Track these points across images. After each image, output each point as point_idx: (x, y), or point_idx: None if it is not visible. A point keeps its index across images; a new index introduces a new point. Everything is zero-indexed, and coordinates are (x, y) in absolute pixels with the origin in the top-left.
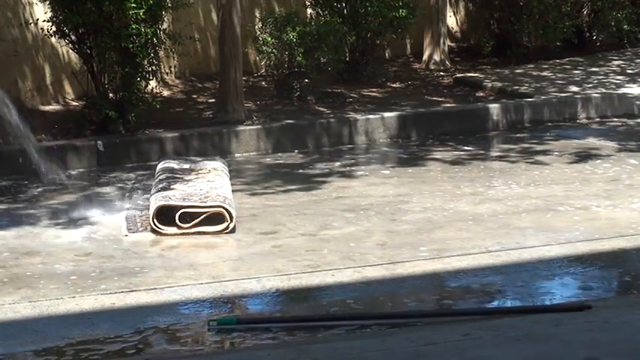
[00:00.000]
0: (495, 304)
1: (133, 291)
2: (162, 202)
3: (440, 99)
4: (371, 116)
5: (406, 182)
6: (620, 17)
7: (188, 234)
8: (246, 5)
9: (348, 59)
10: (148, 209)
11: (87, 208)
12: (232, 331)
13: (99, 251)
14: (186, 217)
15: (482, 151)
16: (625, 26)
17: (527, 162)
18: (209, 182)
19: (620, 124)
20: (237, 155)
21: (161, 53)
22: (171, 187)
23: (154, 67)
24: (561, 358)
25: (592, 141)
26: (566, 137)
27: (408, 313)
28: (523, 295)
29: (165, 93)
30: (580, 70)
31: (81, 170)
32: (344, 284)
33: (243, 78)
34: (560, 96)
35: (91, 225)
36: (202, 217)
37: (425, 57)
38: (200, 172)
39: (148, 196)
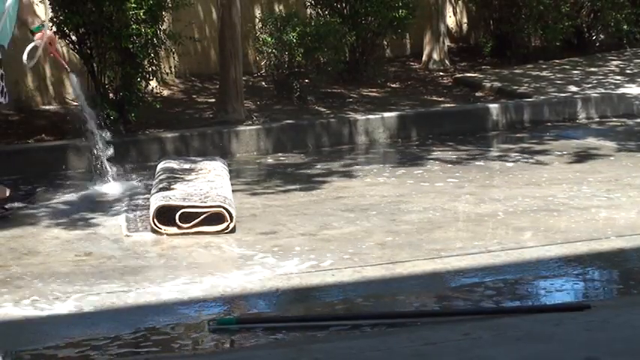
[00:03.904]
0: (495, 304)
1: (133, 290)
2: (163, 202)
3: (439, 99)
4: (371, 116)
5: (406, 182)
6: (620, 17)
7: (188, 234)
8: (246, 5)
9: (348, 59)
10: (148, 209)
11: (87, 208)
12: (232, 331)
13: (99, 251)
14: (187, 217)
15: (482, 151)
16: (624, 26)
17: (526, 162)
18: (209, 182)
19: (619, 124)
20: (237, 155)
21: (161, 53)
22: (172, 187)
23: (154, 67)
24: (561, 358)
25: (591, 141)
26: (565, 137)
27: (408, 313)
28: (523, 295)
29: (165, 93)
30: (579, 70)
31: (81, 170)
32: (344, 284)
33: (243, 78)
34: (560, 96)
35: (91, 225)
36: (202, 217)
37: (424, 57)
38: (200, 172)
39: (149, 196)
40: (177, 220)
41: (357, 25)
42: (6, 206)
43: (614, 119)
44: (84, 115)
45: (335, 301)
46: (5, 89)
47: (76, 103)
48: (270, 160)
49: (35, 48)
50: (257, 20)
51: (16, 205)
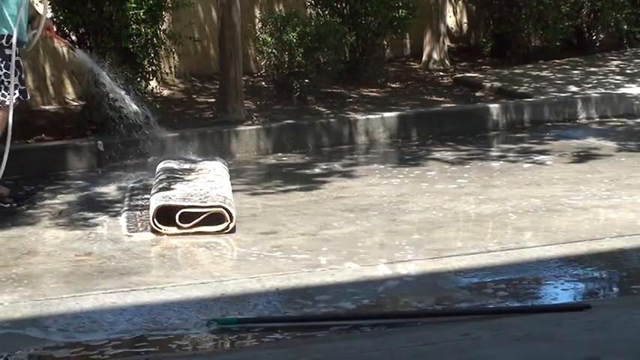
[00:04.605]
0: (495, 304)
1: (133, 290)
2: (163, 202)
3: (439, 99)
4: (371, 116)
5: (406, 182)
6: (620, 17)
7: (188, 234)
8: (246, 5)
9: (348, 59)
10: (148, 209)
11: (87, 208)
12: (232, 331)
13: (99, 251)
14: (187, 217)
15: (482, 151)
16: (624, 26)
17: (527, 162)
18: (209, 182)
19: (619, 124)
20: (237, 155)
21: (161, 53)
22: (172, 187)
23: (154, 67)
24: (561, 358)
25: (592, 141)
26: (565, 137)
27: (408, 313)
28: (523, 295)
29: (165, 93)
30: (579, 70)
31: (81, 170)
32: (344, 284)
33: (243, 78)
34: (560, 96)
35: (91, 225)
36: (202, 217)
37: (424, 57)
38: (200, 172)
39: (148, 196)
40: (177, 220)
41: (357, 25)
42: (6, 205)
43: (614, 119)
44: (103, 84)
45: (335, 301)
46: (22, 87)
47: (75, 103)
48: (270, 160)
49: (34, 35)
50: (257, 20)
51: (15, 204)
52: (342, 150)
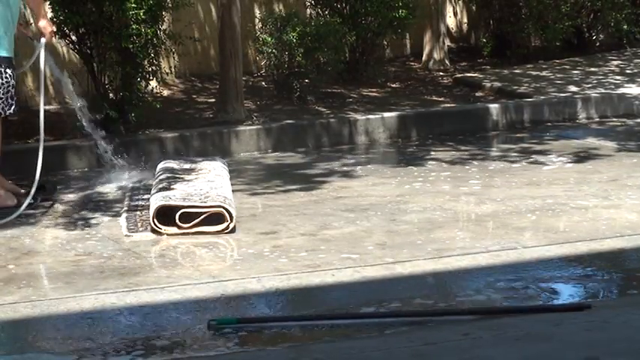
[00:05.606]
0: (495, 304)
1: (133, 290)
2: (163, 202)
3: (439, 99)
4: (371, 116)
5: (406, 182)
6: (620, 17)
7: (188, 234)
8: (246, 5)
9: (348, 59)
10: (148, 209)
11: (87, 208)
12: (232, 331)
13: (99, 251)
14: (187, 217)
15: (482, 151)
16: (624, 26)
17: (527, 162)
18: (209, 182)
19: (619, 124)
20: (237, 155)
21: (161, 53)
22: (172, 187)
23: (154, 67)
24: (561, 358)
25: (592, 141)
26: (565, 137)
27: (408, 313)
28: (523, 295)
29: (165, 93)
30: (579, 70)
31: (81, 170)
32: (344, 284)
33: (243, 78)
34: (560, 96)
35: (91, 225)
36: (202, 217)
37: (424, 57)
38: (200, 172)
39: (148, 196)
40: (177, 220)
41: (357, 25)
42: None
43: (614, 119)
44: (61, 82)
45: (335, 301)
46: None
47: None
48: (270, 160)
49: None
50: (257, 20)
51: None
52: (342, 150)
